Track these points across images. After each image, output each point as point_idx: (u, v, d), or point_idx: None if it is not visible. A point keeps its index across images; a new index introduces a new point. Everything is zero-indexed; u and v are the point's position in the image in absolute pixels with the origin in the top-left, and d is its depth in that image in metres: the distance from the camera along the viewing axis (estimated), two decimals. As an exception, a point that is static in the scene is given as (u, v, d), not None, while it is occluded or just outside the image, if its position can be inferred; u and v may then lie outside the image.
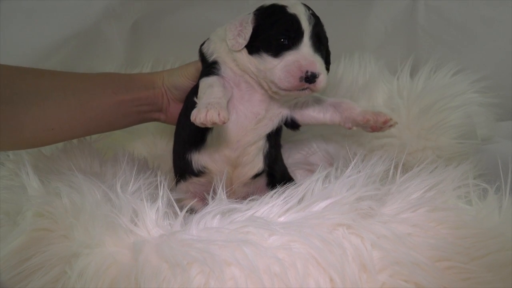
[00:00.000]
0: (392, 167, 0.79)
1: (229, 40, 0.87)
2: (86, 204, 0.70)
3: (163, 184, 0.74)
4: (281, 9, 0.86)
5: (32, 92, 0.81)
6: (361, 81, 1.22)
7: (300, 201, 0.70)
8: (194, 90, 0.92)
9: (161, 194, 0.73)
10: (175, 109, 1.02)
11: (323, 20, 0.88)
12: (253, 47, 0.86)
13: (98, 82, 0.94)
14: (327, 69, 0.90)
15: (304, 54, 0.82)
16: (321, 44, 0.86)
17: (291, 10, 0.85)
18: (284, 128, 0.98)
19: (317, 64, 0.82)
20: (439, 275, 0.59)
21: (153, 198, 0.74)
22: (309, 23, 0.83)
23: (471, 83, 1.15)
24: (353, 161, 0.79)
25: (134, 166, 0.82)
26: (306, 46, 0.83)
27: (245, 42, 0.86)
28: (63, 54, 1.19)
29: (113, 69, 1.25)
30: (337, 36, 1.17)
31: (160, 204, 0.71)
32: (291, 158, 1.20)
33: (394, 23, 1.24)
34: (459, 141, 1.10)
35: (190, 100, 0.91)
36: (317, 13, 0.88)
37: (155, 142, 1.22)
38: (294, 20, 0.83)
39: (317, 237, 0.63)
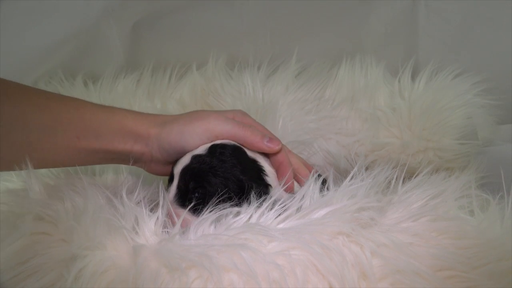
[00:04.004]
0: (395, 177, 0.78)
1: None
2: (89, 207, 0.70)
3: (163, 194, 0.74)
4: None
5: None
6: (362, 83, 1.21)
7: (299, 208, 0.70)
8: None
9: (161, 203, 0.73)
10: (157, 169, 0.86)
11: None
12: None
13: (60, 119, 0.76)
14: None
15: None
16: (189, 192, 0.78)
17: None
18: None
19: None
20: (440, 284, 0.59)
21: (152, 205, 0.75)
22: (179, 173, 0.80)
23: (472, 85, 1.15)
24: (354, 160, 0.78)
25: (136, 174, 0.82)
26: (170, 193, 0.80)
27: None
28: (63, 54, 1.18)
29: (113, 70, 1.24)
30: (337, 38, 1.17)
31: (160, 214, 0.71)
32: (291, 159, 1.19)
33: (394, 23, 1.23)
34: (461, 141, 1.09)
35: None
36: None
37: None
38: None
39: (316, 243, 0.62)
